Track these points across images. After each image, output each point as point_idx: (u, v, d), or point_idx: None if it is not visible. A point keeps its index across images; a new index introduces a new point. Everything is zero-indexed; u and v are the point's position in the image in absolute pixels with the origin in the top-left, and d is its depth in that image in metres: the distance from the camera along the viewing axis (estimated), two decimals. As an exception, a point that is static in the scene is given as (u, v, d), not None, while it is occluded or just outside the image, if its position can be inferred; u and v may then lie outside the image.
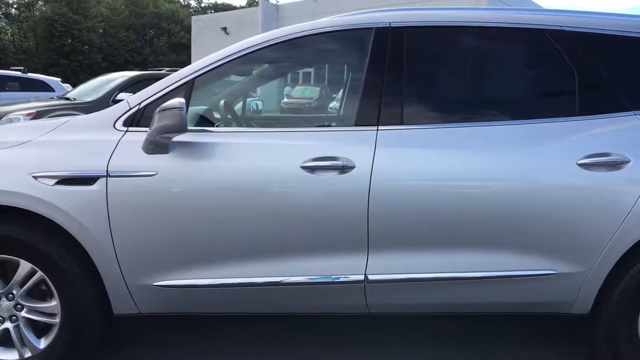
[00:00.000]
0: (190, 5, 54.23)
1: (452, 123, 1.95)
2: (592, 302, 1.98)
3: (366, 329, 2.45)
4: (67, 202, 1.86)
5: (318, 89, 20.22)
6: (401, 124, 1.93)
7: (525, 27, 2.01)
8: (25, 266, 1.93)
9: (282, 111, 7.78)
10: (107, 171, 1.87)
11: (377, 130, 1.91)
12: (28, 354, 2.00)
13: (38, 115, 5.75)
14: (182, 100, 1.75)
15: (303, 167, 1.86)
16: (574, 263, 1.92)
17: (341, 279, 1.93)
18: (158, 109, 1.78)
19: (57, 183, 1.87)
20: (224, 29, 25.45)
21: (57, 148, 1.94)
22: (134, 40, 43.78)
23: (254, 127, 2.52)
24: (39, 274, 1.94)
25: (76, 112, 6.10)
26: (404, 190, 1.88)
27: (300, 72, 2.78)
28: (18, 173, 1.88)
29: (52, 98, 7.33)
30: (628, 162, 1.85)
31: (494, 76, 2.10)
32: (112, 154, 1.89)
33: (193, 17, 30.02)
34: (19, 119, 5.64)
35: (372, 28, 2.01)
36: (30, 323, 2.00)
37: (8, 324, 2.00)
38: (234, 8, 47.36)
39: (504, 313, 2.04)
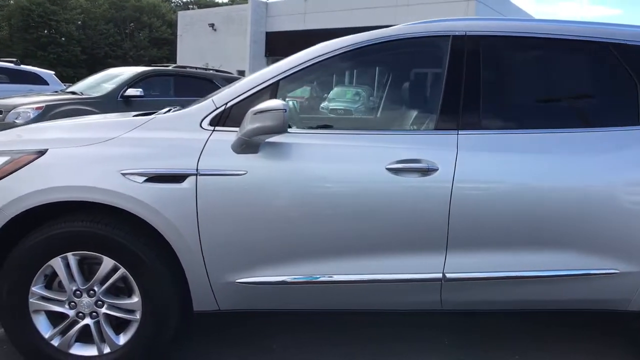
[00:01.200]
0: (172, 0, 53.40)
1: (526, 128, 2.05)
2: (647, 298, 2.11)
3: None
4: (156, 199, 1.88)
5: (308, 88, 20.34)
6: (480, 128, 2.01)
7: (591, 39, 2.13)
8: (108, 263, 1.94)
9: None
10: (197, 169, 1.90)
11: (458, 134, 1.99)
12: (107, 350, 2.01)
13: (47, 109, 5.64)
14: (284, 102, 1.80)
15: (388, 169, 1.93)
16: (635, 263, 2.05)
17: (421, 277, 2.01)
18: (257, 110, 1.81)
19: (146, 180, 1.89)
20: (212, 25, 25.22)
21: (145, 146, 1.95)
22: (113, 34, 42.87)
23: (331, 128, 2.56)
24: (122, 270, 1.95)
25: (86, 107, 6.02)
26: (484, 192, 1.97)
27: (376, 74, 2.79)
28: (106, 170, 1.89)
29: (56, 92, 7.18)
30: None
31: (563, 85, 2.20)
32: (201, 153, 1.92)
33: (180, 13, 29.62)
34: (27, 113, 5.52)
35: (449, 36, 2.09)
36: (109, 319, 2.01)
37: (88, 320, 2.00)
38: (217, 5, 46.94)
39: (567, 310, 2.16)
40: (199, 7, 42.22)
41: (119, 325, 2.04)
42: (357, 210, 1.94)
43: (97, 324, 2.00)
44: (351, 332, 2.51)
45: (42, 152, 1.93)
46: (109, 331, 2.00)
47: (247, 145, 1.90)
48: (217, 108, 2.01)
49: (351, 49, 2.07)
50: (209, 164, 1.91)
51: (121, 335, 2.02)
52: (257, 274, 1.98)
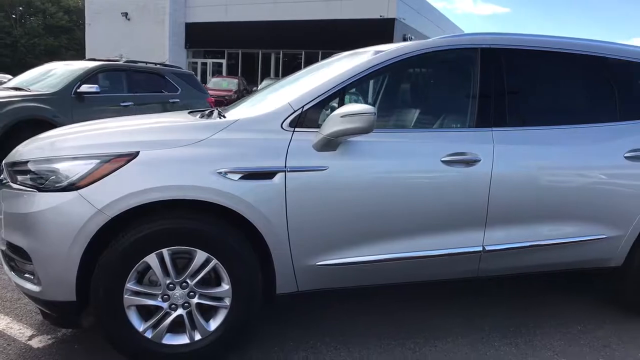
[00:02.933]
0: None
1: (541, 125, 2.53)
2: (625, 256, 2.71)
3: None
4: (250, 194, 2.08)
5: (236, 81, 20.13)
6: (507, 125, 2.46)
7: (588, 54, 2.66)
8: (201, 256, 2.09)
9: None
10: (285, 166, 2.12)
11: (492, 131, 2.42)
12: (198, 337, 2.16)
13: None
14: (372, 106, 2.07)
15: (443, 161, 2.30)
16: (618, 229, 2.63)
17: (466, 250, 2.41)
18: (346, 113, 2.06)
19: (241, 178, 2.07)
20: (125, 14, 23.85)
21: (236, 146, 2.12)
22: (1, 19, 38.62)
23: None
24: (214, 261, 2.11)
25: (39, 105, 5.69)
26: (515, 177, 2.42)
27: (423, 79, 3.03)
28: (203, 169, 2.04)
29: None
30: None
31: (567, 89, 2.72)
32: (287, 152, 2.14)
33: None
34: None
35: (477, 48, 2.50)
36: (199, 308, 2.16)
37: (181, 311, 2.13)
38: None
39: (569, 270, 2.70)
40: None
41: (205, 313, 2.19)
42: (418, 197, 2.29)
43: (189, 313, 2.14)
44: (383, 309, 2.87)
45: (133, 155, 2.02)
46: (200, 319, 2.15)
47: (328, 144, 2.16)
48: (295, 111, 2.23)
49: (408, 56, 2.40)
50: (295, 161, 2.14)
51: (211, 322, 2.18)
52: (334, 257, 2.25)
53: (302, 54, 23.36)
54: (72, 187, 1.97)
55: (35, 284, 2.06)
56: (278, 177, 2.11)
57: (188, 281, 2.12)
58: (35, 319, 2.54)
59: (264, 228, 2.12)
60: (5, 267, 2.24)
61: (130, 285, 2.04)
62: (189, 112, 2.94)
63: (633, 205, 2.63)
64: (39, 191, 2.01)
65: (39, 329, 2.45)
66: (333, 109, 2.50)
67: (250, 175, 2.09)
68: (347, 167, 2.20)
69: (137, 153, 2.03)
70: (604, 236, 2.63)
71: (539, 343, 2.53)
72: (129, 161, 2.01)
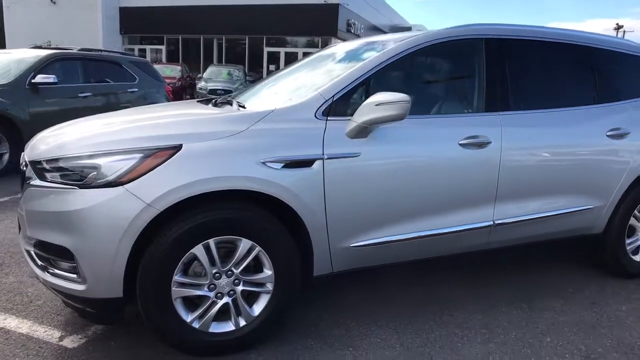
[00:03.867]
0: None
1: (540, 109, 2.79)
2: (605, 224, 3.07)
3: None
4: (292, 182, 2.15)
5: (179, 68, 19.43)
6: (511, 109, 2.68)
7: (576, 43, 2.95)
8: (246, 244, 2.14)
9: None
10: (322, 154, 2.21)
11: (499, 114, 2.64)
12: (243, 323, 2.22)
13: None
14: (407, 95, 2.19)
15: (460, 144, 2.49)
16: (601, 200, 2.97)
17: (479, 225, 2.63)
18: (380, 102, 2.17)
19: (283, 167, 2.13)
20: (51, -4, 22.19)
21: (276, 136, 2.17)
22: None
23: None
24: (257, 249, 2.17)
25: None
26: (520, 156, 2.66)
27: (434, 68, 3.16)
28: (248, 160, 2.08)
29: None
30: (629, 133, 2.95)
31: (560, 76, 2.99)
32: (323, 140, 2.23)
33: (3, -21, 25.21)
34: None
35: (482, 39, 2.70)
36: (243, 295, 2.22)
37: (227, 299, 2.18)
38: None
39: (559, 239, 3.01)
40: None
41: (248, 299, 2.25)
42: (440, 178, 2.47)
43: (234, 301, 2.20)
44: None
45: (177, 147, 2.03)
46: (245, 306, 2.21)
47: (361, 132, 2.27)
48: (326, 101, 2.31)
49: (423, 46, 2.54)
50: (331, 149, 2.23)
51: (254, 307, 2.25)
52: (366, 238, 2.38)
53: (245, 40, 22.97)
54: (117, 182, 1.95)
55: (78, 282, 2.02)
56: (317, 165, 2.20)
57: (233, 269, 2.16)
58: (55, 320, 2.47)
59: (305, 214, 2.21)
60: (36, 269, 2.16)
61: (177, 277, 2.06)
62: (198, 101, 2.92)
63: (613, 179, 2.98)
64: (80, 188, 1.97)
65: (65, 329, 2.39)
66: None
67: (292, 163, 2.16)
68: (377, 152, 2.32)
69: (180, 146, 2.03)
70: (591, 207, 2.96)
71: (540, 305, 2.82)
72: (173, 154, 2.01)
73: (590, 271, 3.35)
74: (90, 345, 2.26)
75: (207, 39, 23.57)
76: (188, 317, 2.13)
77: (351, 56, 2.88)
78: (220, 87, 17.20)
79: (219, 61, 22.87)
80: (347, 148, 2.27)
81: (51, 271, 2.11)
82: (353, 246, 2.37)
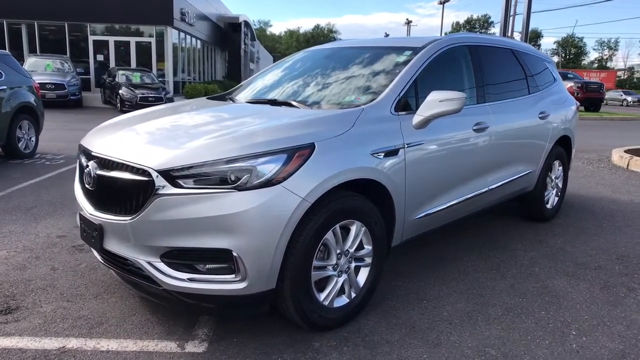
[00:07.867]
0: None
1: (504, 99, 3.67)
2: (535, 183, 4.18)
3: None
4: (388, 168, 2.55)
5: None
6: (492, 100, 3.51)
7: (508, 47, 3.91)
8: (358, 225, 2.48)
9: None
10: (404, 143, 2.66)
11: (486, 104, 3.43)
12: (353, 295, 2.55)
13: None
14: (463, 93, 2.74)
15: (473, 129, 3.20)
16: (534, 165, 4.06)
17: (482, 191, 3.41)
18: (443, 98, 2.68)
19: (384, 156, 2.52)
20: None
21: (375, 130, 2.53)
22: None
23: None
24: (364, 228, 2.52)
25: None
26: (502, 136, 3.51)
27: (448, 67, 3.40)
28: (364, 152, 2.42)
29: None
30: (550, 114, 4.09)
31: (509, 72, 3.91)
32: (401, 132, 2.67)
33: None
34: None
35: (465, 45, 3.44)
36: (356, 270, 2.55)
37: (344, 276, 2.48)
38: None
39: (514, 196, 4.00)
40: None
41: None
42: (466, 157, 3.16)
43: (349, 276, 2.51)
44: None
45: (311, 146, 2.24)
46: (355, 279, 2.55)
47: (425, 124, 2.77)
48: (395, 99, 2.74)
49: (441, 51, 3.15)
50: (408, 139, 2.69)
51: (359, 279, 2.59)
52: (426, 209, 2.92)
53: (65, 26, 20.26)
54: (273, 182, 2.09)
55: (237, 282, 2.09)
56: (401, 152, 2.64)
57: (349, 249, 2.48)
58: (157, 330, 2.41)
59: (395, 194, 2.64)
60: (166, 279, 2.11)
61: (315, 262, 2.30)
62: (210, 98, 3.00)
63: (542, 148, 4.08)
64: (238, 190, 2.05)
65: (180, 337, 2.36)
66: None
67: (389, 152, 2.56)
68: (432, 139, 2.87)
69: (314, 144, 2.25)
70: (530, 170, 4.01)
71: (506, 257, 3.76)
72: (311, 152, 2.22)
73: (529, 222, 4.49)
74: (221, 346, 2.30)
75: (13, 24, 20.06)
76: (320, 297, 2.38)
77: (352, 58, 3.42)
78: (48, 81, 15.16)
79: (32, 51, 19.75)
80: (416, 137, 2.75)
81: (197, 277, 2.11)
82: (417, 218, 2.88)
